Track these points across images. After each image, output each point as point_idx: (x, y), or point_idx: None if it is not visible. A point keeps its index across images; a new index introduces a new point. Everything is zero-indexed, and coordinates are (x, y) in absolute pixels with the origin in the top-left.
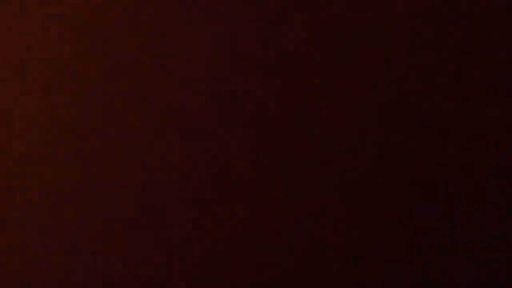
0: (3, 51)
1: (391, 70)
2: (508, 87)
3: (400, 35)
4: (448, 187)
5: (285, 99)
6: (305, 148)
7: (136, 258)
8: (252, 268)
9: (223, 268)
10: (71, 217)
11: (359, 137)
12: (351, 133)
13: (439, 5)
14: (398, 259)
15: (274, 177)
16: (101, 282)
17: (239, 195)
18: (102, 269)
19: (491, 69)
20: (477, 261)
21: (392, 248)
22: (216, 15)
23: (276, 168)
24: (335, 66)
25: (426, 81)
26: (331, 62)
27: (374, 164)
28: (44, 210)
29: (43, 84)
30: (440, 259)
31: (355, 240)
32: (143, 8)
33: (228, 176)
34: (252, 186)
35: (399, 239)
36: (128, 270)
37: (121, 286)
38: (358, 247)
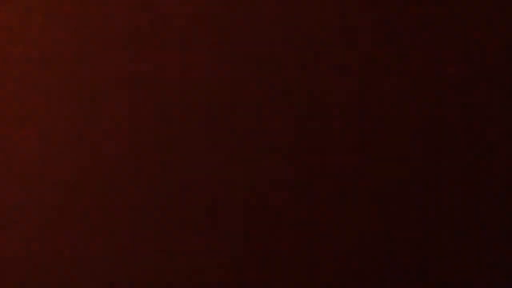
0: (3, 50)
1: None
2: (508, 87)
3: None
4: (449, 187)
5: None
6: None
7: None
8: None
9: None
10: (71, 218)
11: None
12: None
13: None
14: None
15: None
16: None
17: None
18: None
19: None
20: (477, 262)
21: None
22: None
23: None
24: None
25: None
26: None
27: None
28: (44, 211)
29: (43, 85)
30: (440, 260)
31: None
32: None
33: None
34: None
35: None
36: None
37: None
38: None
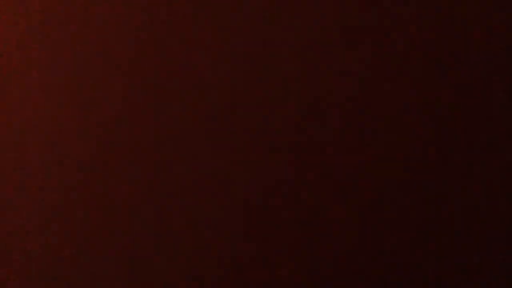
0: (3, 50)
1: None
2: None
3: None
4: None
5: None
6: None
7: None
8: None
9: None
10: (72, 220)
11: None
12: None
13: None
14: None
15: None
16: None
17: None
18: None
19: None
20: (477, 262)
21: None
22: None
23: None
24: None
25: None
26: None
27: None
28: (44, 213)
29: (43, 86)
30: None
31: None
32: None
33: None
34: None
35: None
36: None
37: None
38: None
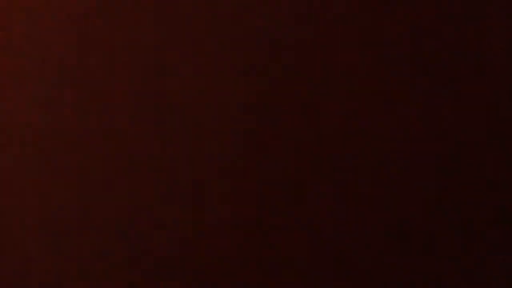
0: (3, 51)
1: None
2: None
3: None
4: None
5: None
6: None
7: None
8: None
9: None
10: (74, 221)
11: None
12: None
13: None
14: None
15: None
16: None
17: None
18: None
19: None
20: (477, 262)
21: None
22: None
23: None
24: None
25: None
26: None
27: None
28: (45, 216)
29: (43, 86)
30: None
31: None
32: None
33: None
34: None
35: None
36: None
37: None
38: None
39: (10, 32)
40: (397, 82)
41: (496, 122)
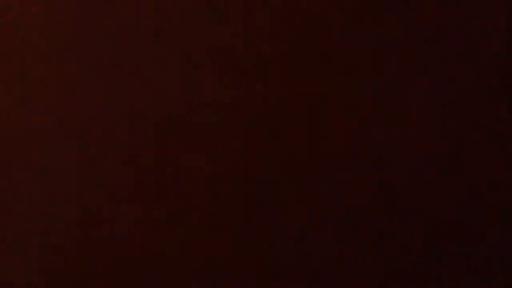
0: (3, 47)
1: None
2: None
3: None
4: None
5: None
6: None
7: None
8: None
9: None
10: (74, 221)
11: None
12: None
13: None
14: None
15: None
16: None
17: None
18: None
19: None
20: (477, 262)
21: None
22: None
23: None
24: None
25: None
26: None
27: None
28: (46, 214)
29: (43, 83)
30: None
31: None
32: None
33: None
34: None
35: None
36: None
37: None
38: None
39: (10, 32)
40: (397, 82)
41: (496, 122)
